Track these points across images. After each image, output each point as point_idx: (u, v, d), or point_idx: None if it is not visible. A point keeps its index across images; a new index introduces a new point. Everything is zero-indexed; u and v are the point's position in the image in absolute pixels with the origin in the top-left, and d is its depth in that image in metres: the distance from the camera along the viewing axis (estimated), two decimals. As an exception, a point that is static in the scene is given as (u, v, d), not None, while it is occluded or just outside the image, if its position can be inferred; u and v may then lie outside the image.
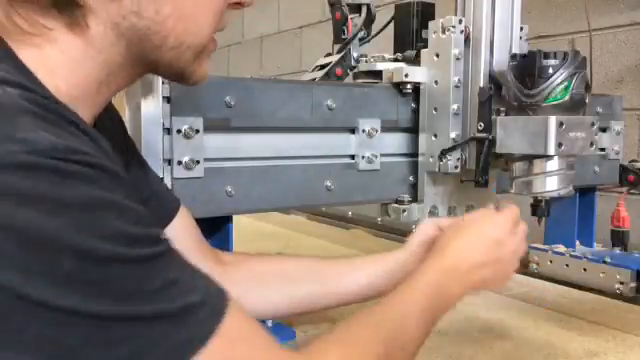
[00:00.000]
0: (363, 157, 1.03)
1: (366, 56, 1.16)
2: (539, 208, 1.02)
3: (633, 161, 1.38)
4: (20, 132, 0.40)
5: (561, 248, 1.41)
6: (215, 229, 0.92)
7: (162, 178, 0.83)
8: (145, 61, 0.57)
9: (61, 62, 0.51)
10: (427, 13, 1.16)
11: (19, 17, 0.50)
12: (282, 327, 1.00)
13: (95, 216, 0.41)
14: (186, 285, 0.46)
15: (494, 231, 0.78)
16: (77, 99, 0.52)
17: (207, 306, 0.46)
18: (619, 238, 1.35)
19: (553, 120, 0.90)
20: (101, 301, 0.40)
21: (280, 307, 0.85)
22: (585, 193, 1.40)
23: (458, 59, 1.01)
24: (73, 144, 0.42)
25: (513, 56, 0.99)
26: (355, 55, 1.16)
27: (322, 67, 1.15)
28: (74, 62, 0.52)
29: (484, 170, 1.00)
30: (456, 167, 1.02)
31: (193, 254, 0.62)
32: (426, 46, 1.06)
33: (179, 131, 0.84)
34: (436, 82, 1.03)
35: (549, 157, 0.93)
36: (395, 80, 1.06)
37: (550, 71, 0.92)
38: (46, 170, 0.40)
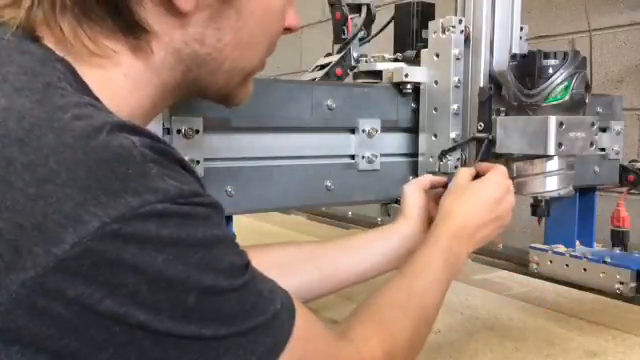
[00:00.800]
0: (363, 157, 1.03)
1: (366, 56, 1.16)
2: (539, 208, 1.02)
3: (633, 161, 1.38)
4: (152, 182, 0.43)
5: (561, 248, 1.41)
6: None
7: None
8: (197, 84, 0.59)
9: (123, 84, 0.53)
10: (427, 13, 1.16)
11: (86, 38, 0.51)
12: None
13: (213, 254, 0.46)
14: (269, 294, 0.51)
15: (494, 191, 0.84)
16: (134, 118, 0.53)
17: (285, 309, 0.51)
18: (619, 238, 1.35)
19: (553, 120, 0.90)
20: (213, 326, 0.45)
21: None
22: (585, 193, 1.40)
23: (458, 59, 1.01)
24: (192, 187, 0.46)
25: (513, 56, 0.99)
26: (355, 55, 1.16)
27: (322, 67, 1.15)
28: (135, 84, 0.54)
29: (484, 170, 1.00)
30: (456, 167, 1.02)
31: None
32: (426, 46, 1.06)
33: (179, 131, 0.84)
34: (436, 82, 1.03)
35: (549, 157, 0.93)
36: (395, 80, 1.06)
37: (550, 71, 0.92)
38: (175, 215, 0.43)
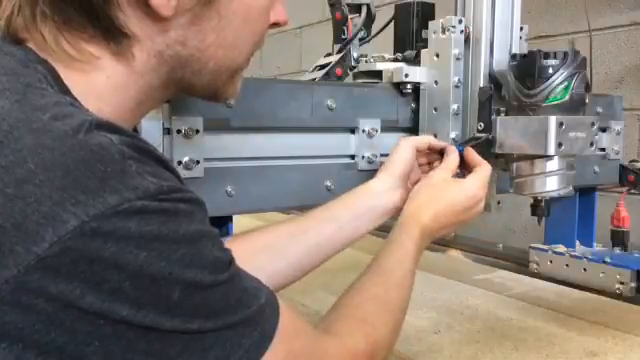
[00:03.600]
0: (363, 157, 1.03)
1: (366, 56, 1.16)
2: (539, 208, 1.02)
3: (633, 161, 1.38)
4: (131, 179, 0.43)
5: (561, 248, 1.41)
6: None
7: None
8: (182, 83, 0.59)
9: (106, 86, 0.54)
10: (427, 13, 1.16)
11: (67, 44, 0.52)
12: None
13: (197, 249, 0.46)
14: (253, 290, 0.52)
15: (465, 201, 0.85)
16: (117, 120, 0.53)
17: (269, 305, 0.52)
18: (619, 238, 1.35)
19: (553, 120, 0.90)
20: (198, 320, 0.46)
21: (274, 282, 0.84)
22: (585, 193, 1.40)
23: (458, 59, 1.01)
24: (172, 184, 0.46)
25: (513, 56, 0.99)
26: (355, 55, 1.16)
27: (322, 67, 1.15)
28: (118, 87, 0.54)
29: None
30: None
31: None
32: (426, 46, 1.06)
33: (179, 131, 0.84)
34: (436, 82, 1.03)
35: (549, 157, 0.93)
36: (395, 80, 1.06)
37: (550, 71, 0.92)
38: (156, 212, 0.44)
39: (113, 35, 0.52)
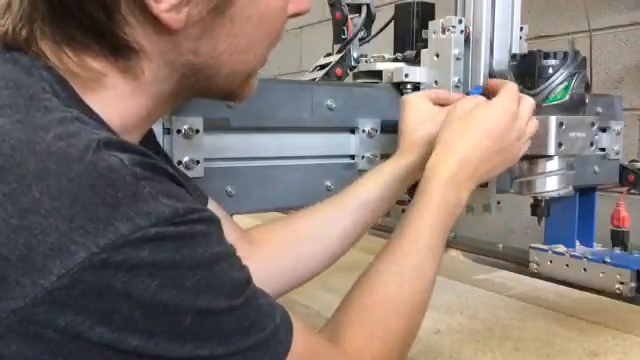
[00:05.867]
0: (363, 157, 1.03)
1: (366, 56, 1.16)
2: (539, 208, 1.02)
3: (633, 161, 1.38)
4: (144, 204, 0.41)
5: (561, 248, 1.41)
6: (215, 229, 0.92)
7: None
8: (196, 88, 0.57)
9: (114, 98, 0.51)
10: (427, 13, 1.16)
11: (70, 61, 0.49)
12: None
13: (213, 274, 0.44)
14: (268, 309, 0.50)
15: (497, 120, 0.75)
16: (127, 129, 0.52)
17: (283, 325, 0.50)
18: (619, 238, 1.35)
19: (553, 120, 0.90)
20: (209, 345, 0.44)
21: (312, 267, 0.83)
22: (585, 193, 1.40)
23: (458, 59, 1.01)
24: (188, 204, 0.44)
25: (513, 56, 0.99)
26: (355, 55, 1.16)
27: (322, 67, 1.15)
28: (127, 98, 0.52)
29: (484, 170, 1.00)
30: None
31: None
32: (426, 46, 1.06)
33: (179, 131, 0.84)
34: (436, 82, 1.03)
35: (549, 157, 0.93)
36: (395, 80, 1.06)
37: (550, 71, 0.92)
38: (170, 238, 0.42)
39: (120, 52, 0.50)
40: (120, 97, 0.51)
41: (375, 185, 0.84)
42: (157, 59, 0.51)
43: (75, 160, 0.41)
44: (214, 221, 0.46)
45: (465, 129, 0.75)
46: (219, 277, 0.45)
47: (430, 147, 0.78)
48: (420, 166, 0.79)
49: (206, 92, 0.59)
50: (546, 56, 0.92)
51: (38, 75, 0.47)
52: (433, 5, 1.17)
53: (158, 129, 0.83)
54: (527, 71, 0.94)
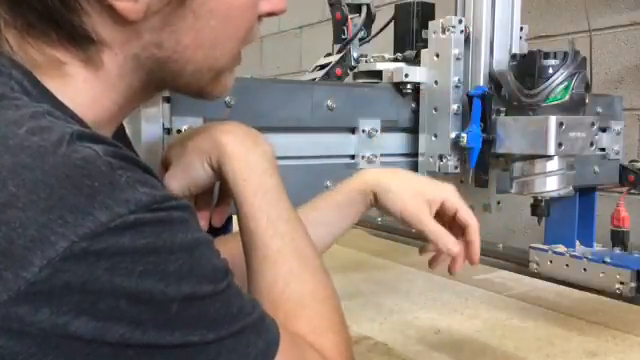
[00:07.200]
0: (363, 157, 1.03)
1: (366, 56, 1.16)
2: (539, 208, 1.02)
3: (633, 161, 1.38)
4: (122, 193, 0.41)
5: (561, 248, 1.41)
6: (215, 229, 0.92)
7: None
8: (165, 83, 0.57)
9: (83, 92, 0.51)
10: (427, 13, 1.16)
11: (32, 49, 0.49)
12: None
13: (194, 259, 0.45)
14: (250, 299, 0.50)
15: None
16: (99, 124, 0.52)
17: (268, 314, 0.50)
18: (619, 238, 1.35)
19: (553, 120, 0.90)
20: (199, 331, 0.44)
21: None
22: (585, 193, 1.40)
23: (458, 59, 1.01)
24: (164, 192, 0.45)
25: (513, 56, 0.99)
26: (355, 55, 1.16)
27: (322, 67, 1.15)
28: (95, 92, 0.52)
29: (484, 170, 1.00)
30: (456, 167, 1.02)
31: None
32: (426, 46, 1.06)
33: (179, 131, 0.84)
34: (436, 82, 1.03)
35: (549, 157, 0.93)
36: (395, 80, 1.06)
37: (550, 71, 0.92)
38: (150, 224, 0.42)
39: (78, 41, 0.49)
40: (89, 89, 0.52)
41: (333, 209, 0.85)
42: (120, 51, 0.51)
43: (49, 153, 0.41)
44: (190, 209, 0.47)
45: None
46: (201, 262, 0.45)
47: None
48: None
49: (176, 88, 0.59)
50: (546, 56, 0.92)
51: (7, 75, 0.47)
52: (433, 5, 1.17)
53: (158, 129, 0.83)
54: (527, 71, 0.94)
